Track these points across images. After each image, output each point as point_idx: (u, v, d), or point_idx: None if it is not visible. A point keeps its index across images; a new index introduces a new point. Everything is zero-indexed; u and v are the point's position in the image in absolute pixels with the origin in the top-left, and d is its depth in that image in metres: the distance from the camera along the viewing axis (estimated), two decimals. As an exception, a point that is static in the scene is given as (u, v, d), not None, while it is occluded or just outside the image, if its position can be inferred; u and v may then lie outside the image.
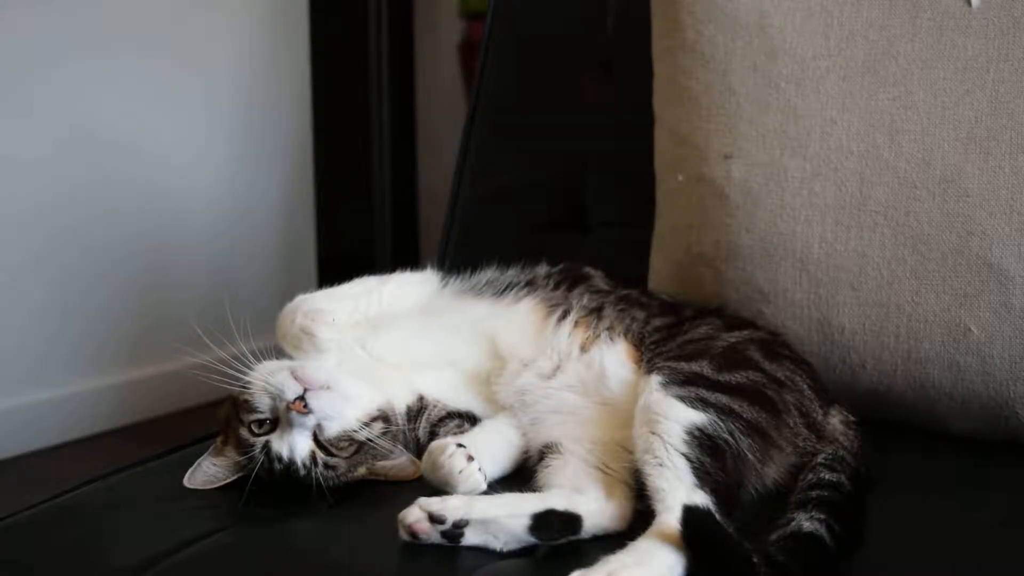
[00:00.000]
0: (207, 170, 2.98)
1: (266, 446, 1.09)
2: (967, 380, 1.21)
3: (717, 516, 0.93)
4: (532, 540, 0.98)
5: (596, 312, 1.23)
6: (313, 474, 1.08)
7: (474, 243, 1.68)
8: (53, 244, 2.64)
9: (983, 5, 1.22)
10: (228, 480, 1.11)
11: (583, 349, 1.19)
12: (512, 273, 1.31)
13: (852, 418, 1.14)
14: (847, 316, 1.25)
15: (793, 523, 0.94)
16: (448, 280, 1.32)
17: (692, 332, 1.19)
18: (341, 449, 1.11)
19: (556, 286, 1.28)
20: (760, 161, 1.30)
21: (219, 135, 3.01)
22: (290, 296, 1.23)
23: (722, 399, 1.04)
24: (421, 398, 1.20)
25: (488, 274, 1.32)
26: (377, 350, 1.22)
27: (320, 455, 1.09)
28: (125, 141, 2.76)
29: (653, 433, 1.01)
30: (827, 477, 1.01)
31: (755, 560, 0.88)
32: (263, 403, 1.12)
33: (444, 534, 0.97)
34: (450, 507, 0.97)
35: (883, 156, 1.25)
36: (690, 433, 1.00)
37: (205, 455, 1.13)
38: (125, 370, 2.81)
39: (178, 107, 2.88)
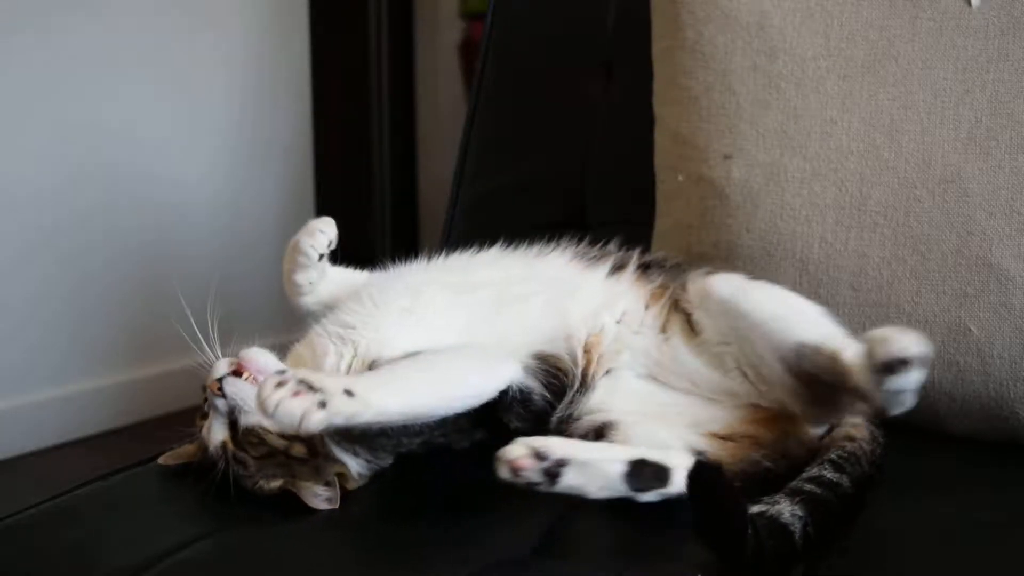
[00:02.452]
0: (207, 169, 2.98)
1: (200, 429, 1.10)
2: (967, 380, 1.21)
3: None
4: (624, 488, 0.98)
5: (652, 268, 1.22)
6: (227, 470, 1.05)
7: (474, 243, 1.68)
8: (53, 244, 2.64)
9: (983, 5, 1.22)
10: (188, 459, 1.12)
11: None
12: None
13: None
14: (847, 316, 1.25)
15: (776, 507, 0.95)
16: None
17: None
18: (251, 445, 1.05)
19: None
20: (760, 161, 1.30)
21: (219, 134, 3.01)
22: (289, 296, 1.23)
23: None
24: None
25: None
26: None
27: (230, 446, 1.06)
28: (124, 140, 2.76)
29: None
30: (828, 476, 1.01)
31: (749, 532, 0.89)
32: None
33: (545, 471, 0.95)
34: (553, 445, 0.97)
35: (883, 156, 1.25)
36: None
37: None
38: (125, 370, 2.81)
39: (178, 106, 2.88)
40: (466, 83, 3.42)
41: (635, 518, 1.02)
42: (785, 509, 0.95)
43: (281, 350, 1.19)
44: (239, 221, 3.01)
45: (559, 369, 1.13)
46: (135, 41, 2.76)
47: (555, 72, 1.71)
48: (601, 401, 1.13)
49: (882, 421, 1.16)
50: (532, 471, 0.95)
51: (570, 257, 1.24)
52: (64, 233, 2.65)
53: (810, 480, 1.00)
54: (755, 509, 0.94)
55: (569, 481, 0.96)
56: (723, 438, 1.09)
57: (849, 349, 1.01)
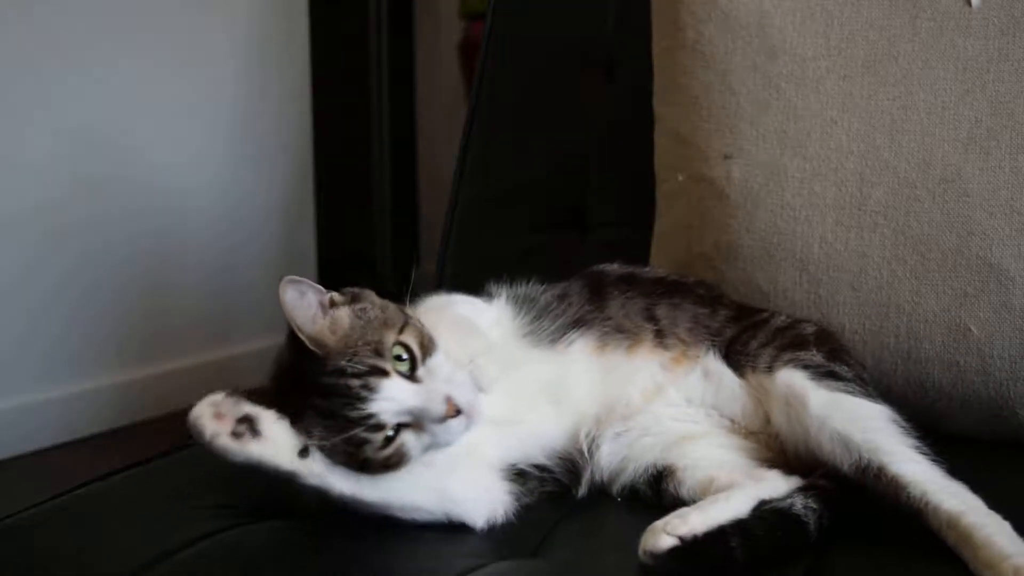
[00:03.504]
0: (207, 170, 2.98)
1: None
2: (967, 380, 1.21)
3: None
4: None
5: (662, 325, 1.16)
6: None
7: (474, 243, 1.68)
8: (53, 244, 2.64)
9: (983, 5, 1.22)
10: None
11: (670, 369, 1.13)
12: (555, 304, 1.16)
13: None
14: (847, 316, 1.25)
15: (787, 500, 0.96)
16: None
17: (771, 320, 1.18)
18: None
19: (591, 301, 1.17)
20: (760, 161, 1.30)
21: (219, 135, 3.01)
22: None
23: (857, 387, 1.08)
24: None
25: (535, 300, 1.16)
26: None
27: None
28: (125, 141, 2.76)
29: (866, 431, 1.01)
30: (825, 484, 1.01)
31: (732, 544, 0.90)
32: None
33: None
34: (693, 523, 0.93)
35: (883, 156, 1.25)
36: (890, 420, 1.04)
37: None
38: (125, 370, 2.81)
39: (178, 107, 2.88)
40: (466, 83, 3.43)
41: (635, 518, 1.02)
42: (798, 502, 0.95)
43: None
44: (239, 221, 3.01)
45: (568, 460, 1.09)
46: (135, 41, 2.76)
47: (555, 72, 1.71)
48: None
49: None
50: None
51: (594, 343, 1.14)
52: (65, 237, 2.66)
53: (823, 475, 1.01)
54: (764, 501, 0.95)
55: None
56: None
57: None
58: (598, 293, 1.17)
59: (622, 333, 1.13)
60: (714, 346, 1.15)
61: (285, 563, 0.97)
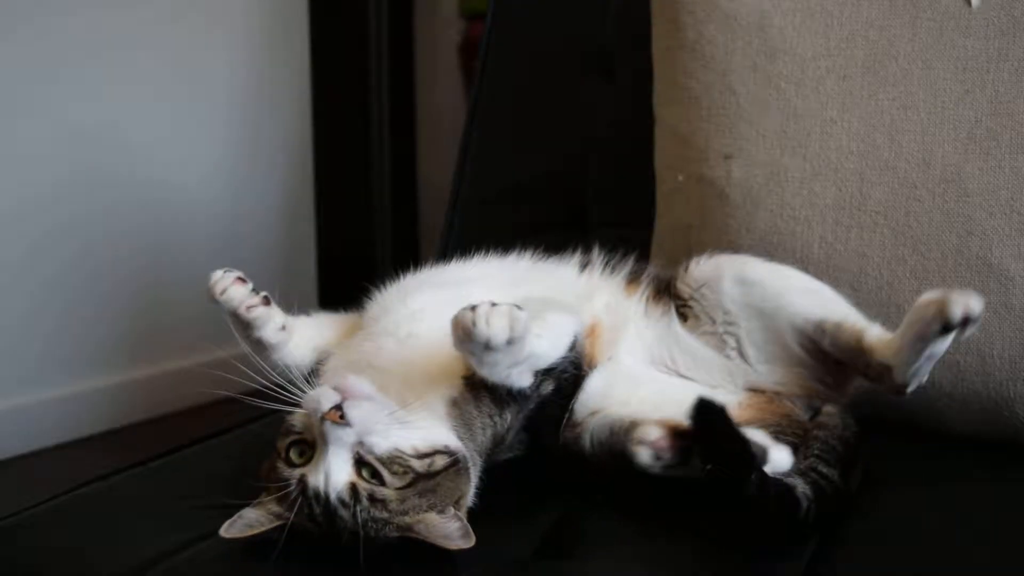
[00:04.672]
0: (206, 170, 2.98)
1: (302, 481, 0.93)
2: (967, 380, 1.21)
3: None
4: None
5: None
6: (355, 514, 0.92)
7: (474, 243, 1.68)
8: (53, 244, 2.64)
9: (983, 5, 1.22)
10: (266, 528, 0.96)
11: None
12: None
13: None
14: (847, 316, 1.25)
15: (791, 480, 0.97)
16: None
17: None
18: (395, 474, 0.93)
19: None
20: (760, 161, 1.30)
21: (219, 134, 3.01)
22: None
23: None
24: None
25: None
26: None
27: (363, 486, 0.93)
28: (124, 141, 2.76)
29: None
30: (823, 470, 1.01)
31: (752, 477, 0.93)
32: (300, 423, 0.97)
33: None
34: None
35: (883, 156, 1.25)
36: None
37: (247, 508, 0.98)
38: (125, 370, 2.81)
39: (178, 107, 2.88)
40: (466, 83, 3.42)
41: (637, 516, 1.02)
42: (799, 484, 0.97)
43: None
44: (239, 221, 3.01)
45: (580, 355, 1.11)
46: (135, 41, 2.75)
47: (555, 72, 1.71)
48: (603, 393, 1.12)
49: (882, 422, 1.17)
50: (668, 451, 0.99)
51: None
52: (63, 234, 2.65)
53: (812, 470, 1.01)
54: (769, 474, 0.96)
55: None
56: None
57: (873, 329, 1.09)
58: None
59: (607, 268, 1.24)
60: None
61: (286, 563, 0.97)
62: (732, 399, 1.13)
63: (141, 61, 2.77)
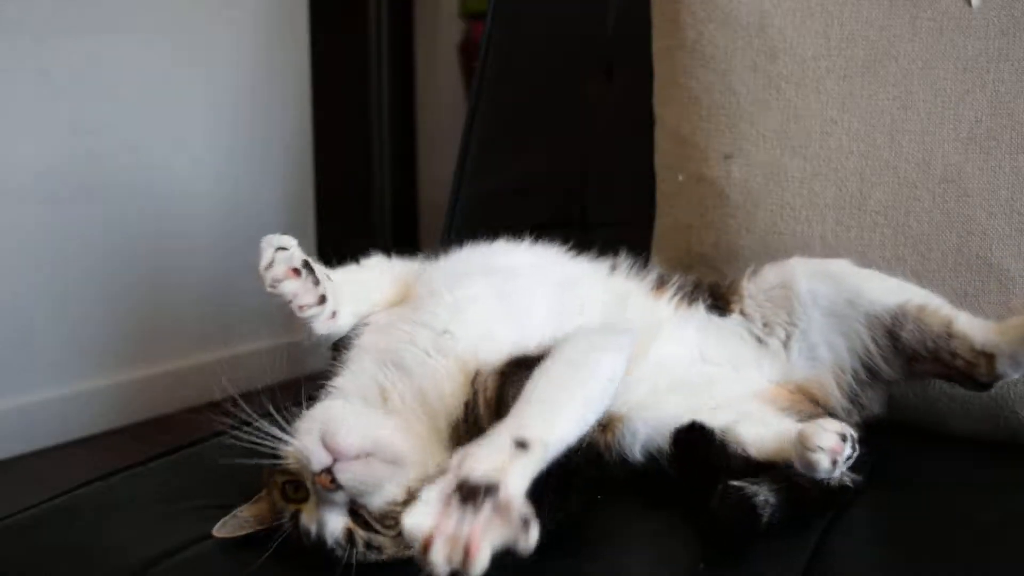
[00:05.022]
0: (207, 170, 2.98)
1: (295, 517, 0.93)
2: (967, 380, 1.21)
3: None
4: None
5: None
6: (351, 555, 0.90)
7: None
8: (53, 245, 2.64)
9: (983, 5, 1.22)
10: (260, 528, 0.96)
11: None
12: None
13: None
14: (847, 316, 1.25)
15: (753, 487, 0.96)
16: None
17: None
18: (388, 527, 0.91)
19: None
20: (760, 161, 1.30)
21: (219, 135, 3.01)
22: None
23: None
24: None
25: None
26: None
27: (360, 533, 0.91)
28: (125, 142, 2.76)
29: None
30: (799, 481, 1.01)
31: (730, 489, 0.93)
32: (294, 462, 0.94)
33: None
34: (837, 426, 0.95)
35: (883, 156, 1.25)
36: None
37: (241, 507, 0.99)
38: (125, 370, 2.81)
39: (179, 108, 2.88)
40: (466, 83, 3.43)
41: (638, 518, 1.02)
42: (761, 492, 0.96)
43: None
44: (239, 221, 3.01)
45: None
46: (138, 43, 2.76)
47: (555, 72, 1.71)
48: (637, 398, 1.07)
49: (882, 422, 1.17)
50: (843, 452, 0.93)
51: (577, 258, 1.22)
52: (64, 234, 2.66)
53: (786, 478, 1.00)
54: (734, 483, 0.95)
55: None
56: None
57: (962, 315, 1.07)
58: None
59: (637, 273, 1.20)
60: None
61: (286, 563, 0.97)
62: (755, 386, 1.13)
63: (144, 64, 2.78)
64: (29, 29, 2.54)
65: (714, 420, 1.02)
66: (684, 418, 1.02)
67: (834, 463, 0.92)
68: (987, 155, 1.21)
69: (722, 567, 0.94)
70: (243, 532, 0.96)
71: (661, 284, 1.20)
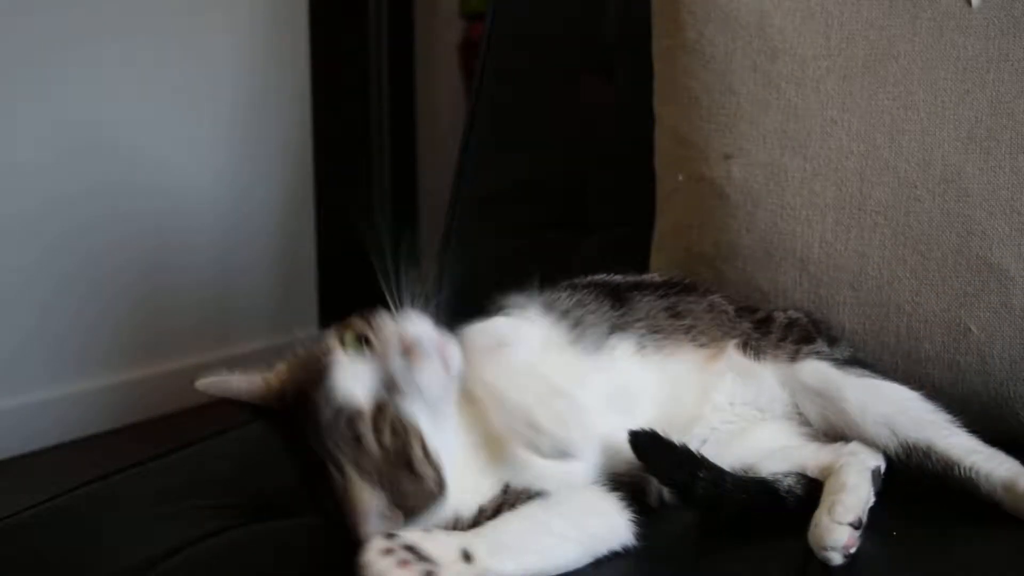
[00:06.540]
0: (207, 170, 2.98)
1: (324, 371, 0.89)
2: (967, 380, 1.21)
3: None
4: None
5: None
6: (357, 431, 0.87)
7: (474, 243, 1.68)
8: (53, 245, 2.64)
9: (983, 5, 1.22)
10: (243, 400, 0.93)
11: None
12: (582, 310, 1.11)
13: None
14: (847, 316, 1.25)
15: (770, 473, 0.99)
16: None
17: (775, 314, 1.19)
18: (394, 434, 0.88)
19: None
20: (760, 161, 1.30)
21: (219, 135, 3.01)
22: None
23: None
24: None
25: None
26: None
27: (365, 413, 0.88)
28: (125, 142, 2.76)
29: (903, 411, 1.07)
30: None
31: (700, 475, 0.94)
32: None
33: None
34: (851, 502, 0.95)
35: (883, 156, 1.25)
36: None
37: (237, 372, 0.95)
38: (125, 370, 2.82)
39: (178, 108, 2.89)
40: (466, 83, 3.42)
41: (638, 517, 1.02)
42: (781, 478, 1.00)
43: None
44: (239, 221, 3.01)
45: None
46: (136, 42, 2.76)
47: (555, 72, 1.71)
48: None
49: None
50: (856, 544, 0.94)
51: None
52: (64, 233, 2.66)
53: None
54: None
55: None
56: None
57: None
58: (618, 299, 1.14)
59: (658, 334, 1.11)
60: (735, 340, 1.14)
61: (286, 563, 0.97)
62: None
63: (142, 63, 2.78)
64: (27, 29, 2.54)
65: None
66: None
67: (847, 556, 0.93)
68: (987, 155, 1.21)
69: (723, 564, 0.94)
70: (225, 396, 0.93)
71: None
